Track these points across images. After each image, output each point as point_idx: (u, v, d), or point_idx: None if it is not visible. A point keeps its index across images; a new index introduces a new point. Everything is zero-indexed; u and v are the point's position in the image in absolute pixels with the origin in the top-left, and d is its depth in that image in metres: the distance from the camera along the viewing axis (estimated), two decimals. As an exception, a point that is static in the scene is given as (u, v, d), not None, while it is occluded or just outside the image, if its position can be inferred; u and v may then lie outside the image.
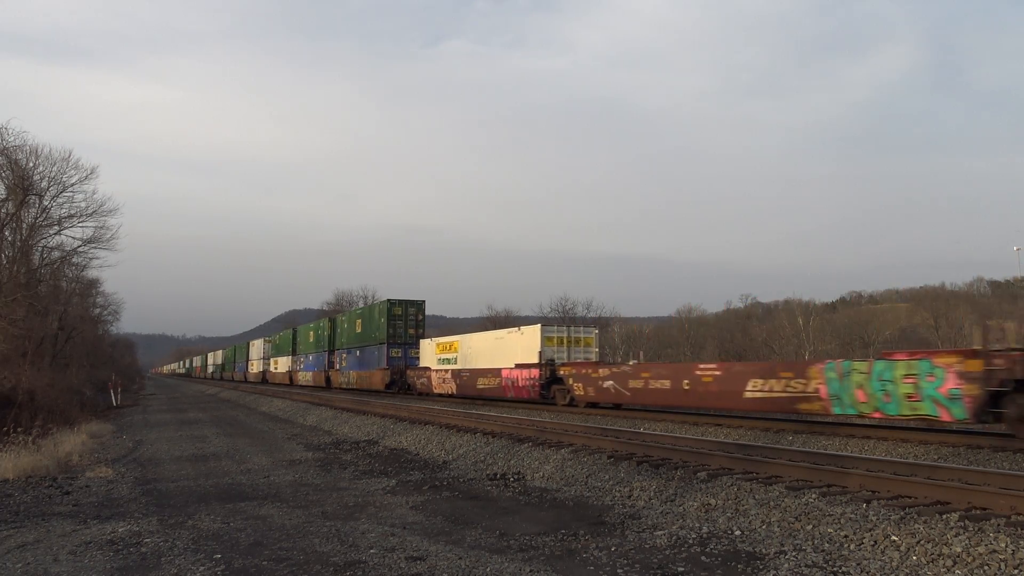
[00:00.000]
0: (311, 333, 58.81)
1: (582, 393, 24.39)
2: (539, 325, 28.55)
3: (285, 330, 74.30)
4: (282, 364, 67.77)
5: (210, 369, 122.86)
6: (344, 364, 49.22)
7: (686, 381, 19.92)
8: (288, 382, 63.72)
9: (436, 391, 35.47)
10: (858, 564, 6.54)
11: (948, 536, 6.69)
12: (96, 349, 56.78)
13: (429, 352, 37.04)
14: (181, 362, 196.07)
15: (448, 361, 34.70)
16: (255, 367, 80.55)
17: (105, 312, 62.56)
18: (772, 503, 8.51)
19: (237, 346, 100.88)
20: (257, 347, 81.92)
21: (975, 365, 13.03)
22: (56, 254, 39.27)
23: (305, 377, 58.36)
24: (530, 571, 6.73)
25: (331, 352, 52.29)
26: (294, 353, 63.53)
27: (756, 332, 67.55)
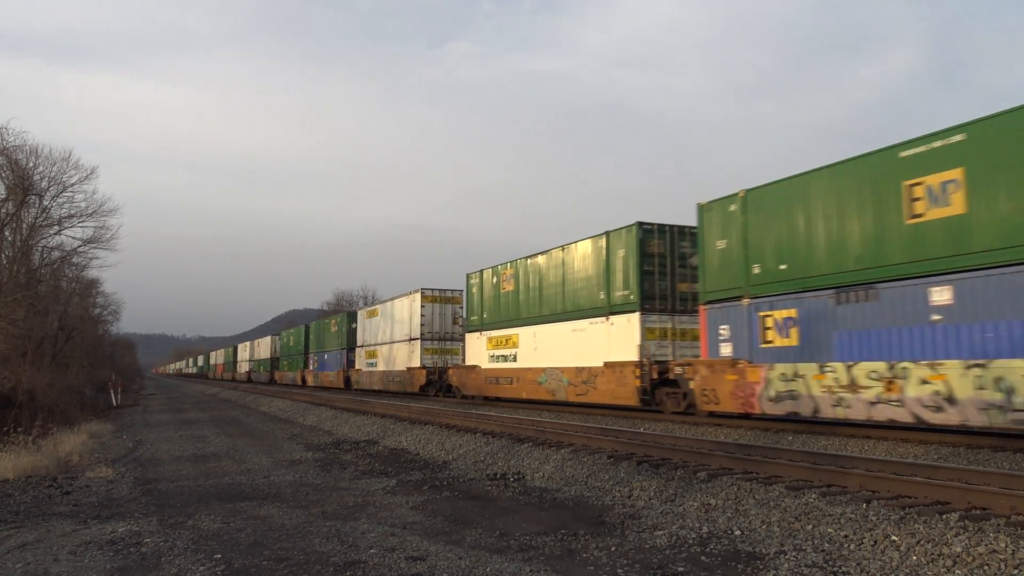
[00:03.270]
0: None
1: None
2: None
3: (514, 259, 27.85)
4: (516, 348, 26.91)
5: (244, 367, 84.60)
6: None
7: None
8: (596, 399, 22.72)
9: None
10: (858, 564, 6.54)
11: (948, 536, 6.69)
12: (96, 349, 56.85)
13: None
14: (190, 360, 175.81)
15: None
16: (374, 358, 39.89)
17: (105, 312, 62.78)
18: (772, 503, 8.51)
19: (313, 324, 56.99)
20: (385, 318, 38.54)
21: None
22: (56, 254, 39.38)
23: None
24: (530, 571, 6.73)
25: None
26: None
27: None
